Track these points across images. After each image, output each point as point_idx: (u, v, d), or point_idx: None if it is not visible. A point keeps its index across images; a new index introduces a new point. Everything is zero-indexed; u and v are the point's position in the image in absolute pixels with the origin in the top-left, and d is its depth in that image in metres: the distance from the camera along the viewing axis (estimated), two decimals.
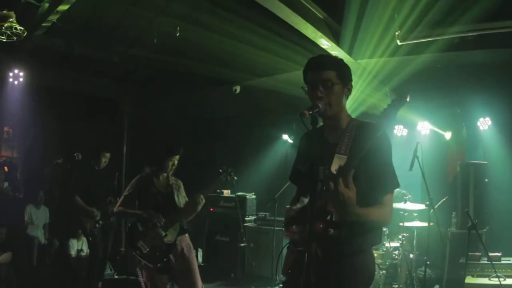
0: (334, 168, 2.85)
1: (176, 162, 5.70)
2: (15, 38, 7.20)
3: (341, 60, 3.16)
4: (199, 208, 5.47)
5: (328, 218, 2.79)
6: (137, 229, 5.53)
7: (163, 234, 5.36)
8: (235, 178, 5.70)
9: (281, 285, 8.38)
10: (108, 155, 7.92)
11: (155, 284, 5.39)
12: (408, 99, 2.66)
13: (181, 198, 5.72)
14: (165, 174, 5.76)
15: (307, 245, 2.52)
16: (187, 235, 5.63)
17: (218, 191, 9.91)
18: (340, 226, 2.81)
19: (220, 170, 5.65)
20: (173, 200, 5.57)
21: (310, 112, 2.77)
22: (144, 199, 5.59)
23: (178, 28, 7.13)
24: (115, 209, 5.80)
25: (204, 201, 5.48)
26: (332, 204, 2.72)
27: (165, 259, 5.31)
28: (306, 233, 2.58)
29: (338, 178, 2.63)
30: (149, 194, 5.58)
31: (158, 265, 5.32)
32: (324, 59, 3.11)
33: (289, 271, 3.10)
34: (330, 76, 2.98)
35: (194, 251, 5.66)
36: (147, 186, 5.65)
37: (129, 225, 5.74)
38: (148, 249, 5.36)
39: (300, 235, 3.04)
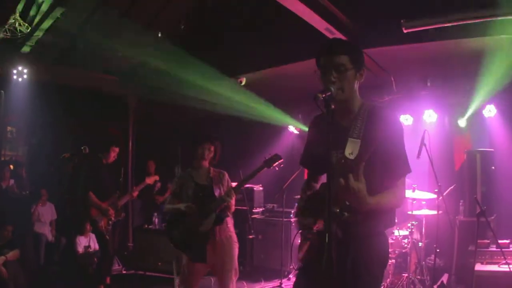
0: (348, 152, 2.87)
1: (206, 151, 5.69)
2: (19, 34, 7.22)
3: (355, 45, 3.16)
4: (229, 200, 5.47)
5: (343, 202, 2.80)
6: (173, 221, 5.66)
7: (198, 224, 5.40)
8: (282, 165, 5.67)
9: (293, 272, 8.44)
10: (117, 149, 7.92)
11: (190, 271, 5.48)
12: (428, 84, 2.65)
13: (223, 189, 5.69)
14: (205, 167, 5.78)
15: (327, 226, 2.52)
16: (229, 226, 5.64)
17: None
18: (355, 209, 2.81)
19: (265, 158, 5.61)
20: (211, 191, 5.57)
21: (323, 96, 2.75)
22: (185, 193, 5.65)
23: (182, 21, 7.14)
24: (164, 209, 5.96)
25: (233, 194, 5.51)
26: (344, 197, 2.74)
27: (200, 248, 5.35)
28: (325, 215, 2.58)
29: (348, 173, 2.65)
30: (189, 188, 5.64)
31: (193, 253, 5.41)
32: (337, 43, 3.12)
33: (305, 255, 3.10)
34: (343, 60, 2.99)
35: (235, 244, 5.65)
36: (187, 180, 5.72)
37: (167, 218, 5.89)
38: (183, 239, 5.48)
39: (313, 220, 3.03)
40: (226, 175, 5.84)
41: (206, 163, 5.77)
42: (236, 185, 5.66)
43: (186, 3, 8.08)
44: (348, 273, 2.93)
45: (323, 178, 3.37)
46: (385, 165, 2.92)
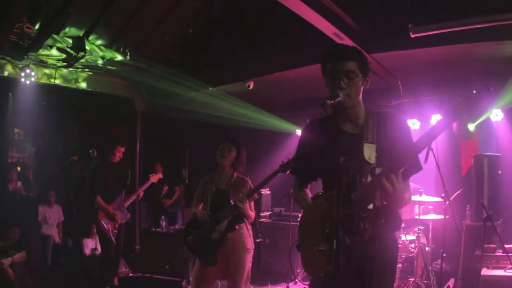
0: (366, 156, 2.94)
1: (225, 150, 5.66)
2: (26, 36, 7.26)
3: (361, 51, 3.18)
4: (241, 206, 5.39)
5: (354, 213, 2.83)
6: (190, 226, 5.71)
7: (211, 230, 5.43)
8: None
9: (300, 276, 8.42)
10: (123, 149, 7.92)
11: (202, 276, 5.50)
12: (491, 89, 2.64)
13: (242, 196, 5.58)
14: (228, 172, 5.75)
15: (336, 232, 2.53)
16: (242, 233, 5.55)
17: None
18: (365, 218, 2.85)
19: (282, 162, 5.52)
20: (227, 198, 5.54)
21: (332, 102, 2.77)
22: (205, 198, 5.68)
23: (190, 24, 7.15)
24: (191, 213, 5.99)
25: (245, 200, 5.42)
26: (385, 199, 2.76)
27: (211, 253, 5.37)
28: (334, 222, 2.59)
29: (390, 175, 2.68)
30: (209, 192, 5.67)
31: (204, 258, 5.45)
32: (347, 49, 3.11)
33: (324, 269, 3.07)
34: (352, 67, 3.02)
35: (248, 251, 5.57)
36: (208, 184, 5.73)
37: (187, 223, 5.96)
38: (196, 244, 5.53)
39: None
40: (249, 182, 5.76)
41: (227, 165, 5.70)
42: (249, 191, 5.61)
43: (193, 6, 8.06)
44: (366, 277, 2.96)
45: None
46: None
